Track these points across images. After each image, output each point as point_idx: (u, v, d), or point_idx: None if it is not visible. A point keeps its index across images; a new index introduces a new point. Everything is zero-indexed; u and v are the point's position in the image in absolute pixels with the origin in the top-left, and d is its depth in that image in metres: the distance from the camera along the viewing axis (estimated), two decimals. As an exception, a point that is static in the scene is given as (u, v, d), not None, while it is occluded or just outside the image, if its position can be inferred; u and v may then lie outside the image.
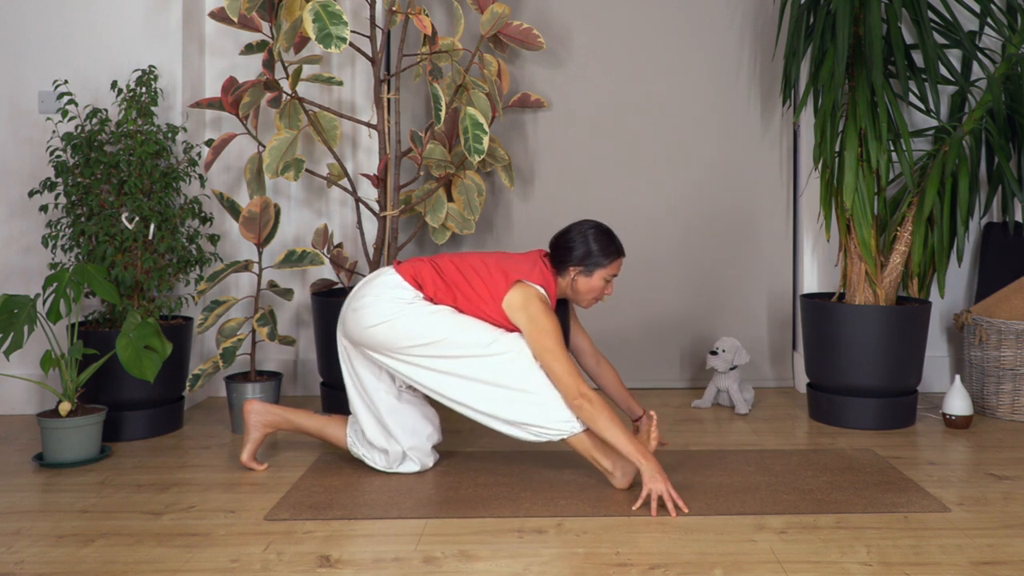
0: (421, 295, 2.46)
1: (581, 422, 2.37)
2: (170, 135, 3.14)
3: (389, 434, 2.53)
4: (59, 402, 2.77)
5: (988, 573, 1.89)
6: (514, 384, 2.38)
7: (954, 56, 3.55)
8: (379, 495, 2.38)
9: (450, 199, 3.37)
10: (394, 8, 3.09)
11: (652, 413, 2.53)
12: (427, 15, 3.00)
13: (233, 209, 3.15)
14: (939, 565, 1.93)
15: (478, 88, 3.17)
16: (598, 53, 3.69)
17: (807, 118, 3.60)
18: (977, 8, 3.40)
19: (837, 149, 3.11)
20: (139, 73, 3.27)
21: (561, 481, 2.49)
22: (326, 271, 3.58)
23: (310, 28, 2.72)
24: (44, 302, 2.82)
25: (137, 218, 2.97)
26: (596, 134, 3.71)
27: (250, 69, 3.53)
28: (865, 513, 2.23)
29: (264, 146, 3.20)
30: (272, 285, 3.18)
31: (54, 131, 3.04)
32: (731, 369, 3.32)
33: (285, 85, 3.38)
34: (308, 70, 3.52)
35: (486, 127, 2.99)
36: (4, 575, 1.90)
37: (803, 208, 3.68)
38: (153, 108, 3.11)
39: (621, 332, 3.73)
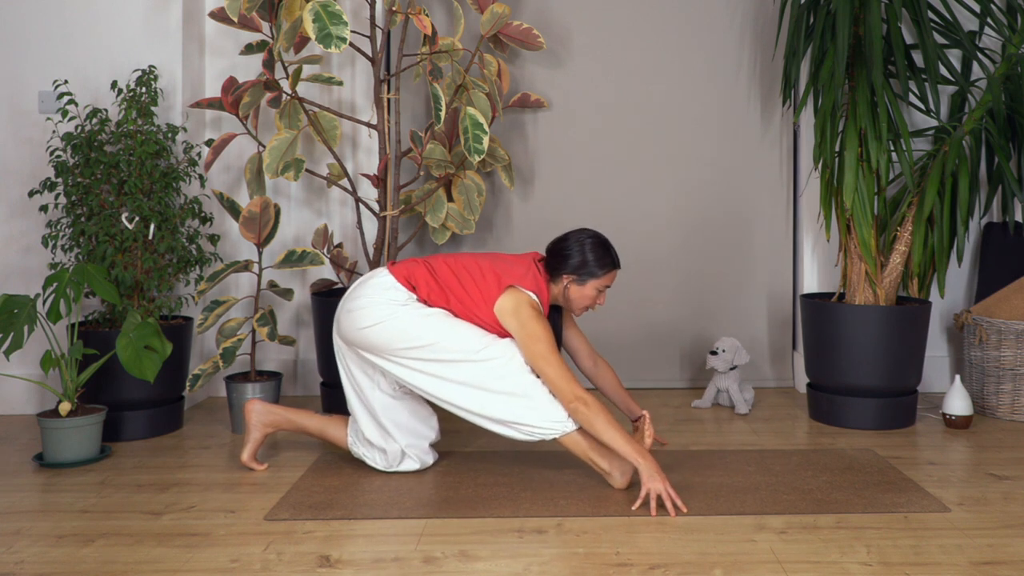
0: (415, 297, 2.46)
1: (573, 422, 2.37)
2: (170, 135, 3.14)
3: (386, 433, 2.53)
4: (59, 402, 2.77)
5: (988, 573, 1.89)
6: (505, 388, 2.38)
7: (954, 56, 3.55)
8: (379, 495, 2.38)
9: (450, 199, 3.37)
10: (394, 8, 3.09)
11: (645, 412, 2.54)
12: (427, 15, 3.00)
13: (233, 209, 3.15)
14: (939, 565, 1.93)
15: (478, 88, 3.17)
16: (598, 53, 3.69)
17: (807, 118, 3.60)
18: (977, 8, 3.40)
19: (837, 149, 3.11)
20: (139, 73, 3.27)
21: (561, 481, 2.49)
22: (326, 271, 3.58)
23: (310, 28, 2.72)
24: (44, 302, 2.82)
25: (137, 218, 2.97)
26: (596, 134, 3.71)
27: (250, 69, 3.53)
28: (865, 513, 2.23)
29: (264, 146, 3.20)
30: (272, 285, 3.18)
31: (54, 131, 3.04)
32: (731, 369, 3.32)
33: (285, 85, 3.38)
34: (308, 70, 3.52)
35: (486, 127, 2.99)
36: (4, 575, 1.90)
37: (803, 208, 3.68)
38: (153, 108, 3.11)
39: (621, 332, 3.73)
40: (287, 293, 3.21)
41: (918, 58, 3.44)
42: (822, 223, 3.57)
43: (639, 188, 3.72)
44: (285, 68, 3.08)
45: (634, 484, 2.43)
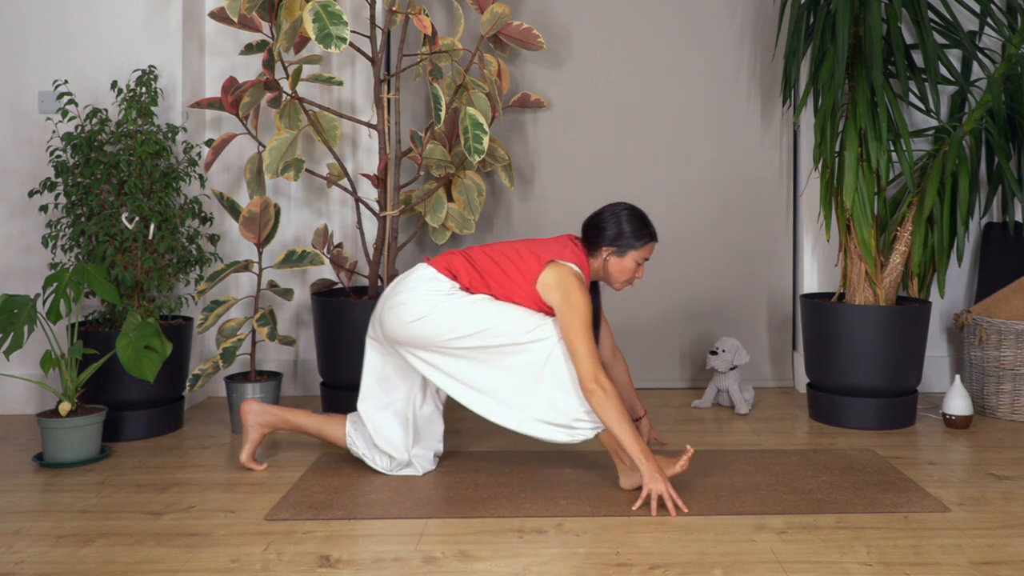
0: (457, 285, 2.45)
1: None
2: (170, 135, 3.14)
3: (400, 442, 2.52)
4: (59, 402, 2.77)
5: (988, 573, 1.89)
6: (553, 374, 2.35)
7: (954, 56, 3.55)
8: (379, 495, 2.38)
9: (450, 199, 3.37)
10: (394, 8, 3.09)
11: (643, 412, 2.54)
12: (427, 15, 3.00)
13: (233, 209, 3.15)
14: (939, 565, 1.93)
15: (478, 88, 3.17)
16: (598, 53, 3.69)
17: (807, 118, 3.60)
18: (977, 8, 3.40)
19: (837, 149, 3.11)
20: (139, 73, 3.27)
21: (561, 481, 2.49)
22: (326, 271, 3.58)
23: (310, 28, 2.72)
24: (44, 302, 2.82)
25: (137, 218, 2.97)
26: (596, 134, 3.71)
27: (250, 69, 3.53)
28: (865, 513, 2.23)
29: (264, 146, 3.20)
30: (272, 285, 3.18)
31: (54, 131, 3.04)
32: (731, 369, 3.32)
33: (285, 85, 3.38)
34: (308, 70, 3.52)
35: (486, 127, 2.99)
36: (4, 575, 1.90)
37: (803, 208, 3.68)
38: (153, 108, 3.11)
39: (621, 332, 3.73)
40: (287, 293, 3.21)
41: (918, 58, 3.44)
42: (822, 223, 3.57)
43: (639, 188, 3.72)
44: (285, 68, 3.08)
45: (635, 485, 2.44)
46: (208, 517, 2.24)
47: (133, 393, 2.94)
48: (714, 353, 3.31)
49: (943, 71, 3.50)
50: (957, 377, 3.08)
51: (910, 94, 3.39)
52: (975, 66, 3.49)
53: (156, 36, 3.31)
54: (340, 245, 3.31)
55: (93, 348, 2.88)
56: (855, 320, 3.02)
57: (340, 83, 3.16)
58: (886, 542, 2.05)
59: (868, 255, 3.08)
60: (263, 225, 3.11)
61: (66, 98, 3.18)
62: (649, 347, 3.74)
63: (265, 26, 3.23)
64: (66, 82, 3.06)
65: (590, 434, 2.37)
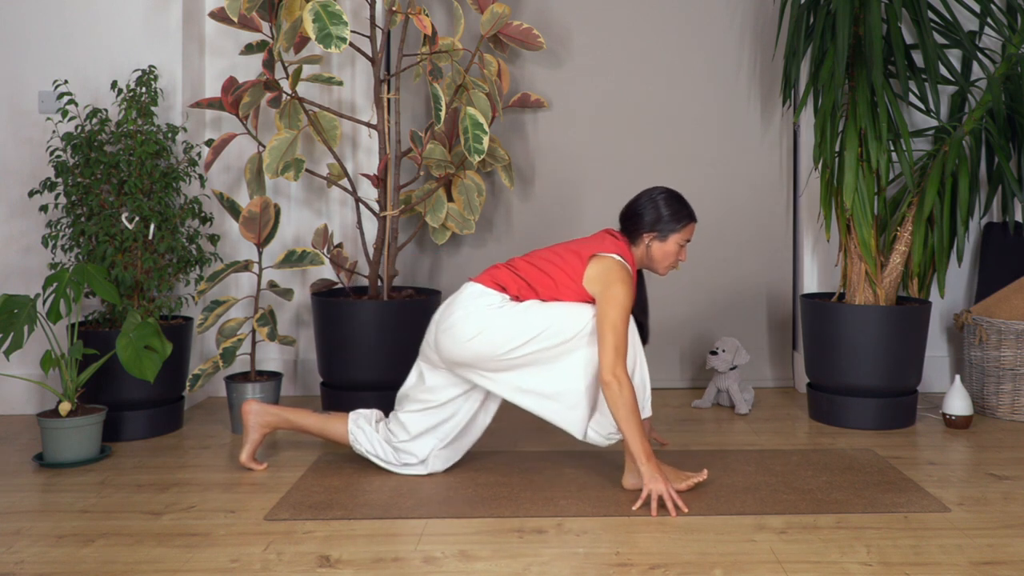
0: (507, 296, 2.45)
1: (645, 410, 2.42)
2: (170, 135, 3.14)
3: (428, 448, 2.52)
4: (59, 402, 2.77)
5: (988, 573, 1.89)
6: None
7: (954, 56, 3.55)
8: (379, 495, 2.38)
9: (450, 199, 3.37)
10: (394, 8, 3.09)
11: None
12: (427, 15, 3.00)
13: (233, 209, 3.15)
14: (939, 565, 1.93)
15: (478, 88, 3.17)
16: (598, 53, 3.69)
17: (807, 118, 3.60)
18: (977, 8, 3.40)
19: (837, 149, 3.11)
20: (139, 73, 3.27)
21: (561, 481, 2.49)
22: (326, 271, 3.58)
23: (310, 28, 2.72)
24: (44, 302, 2.82)
25: (137, 218, 2.97)
26: (596, 134, 3.71)
27: (250, 69, 3.53)
28: (865, 513, 2.23)
29: (264, 146, 3.20)
30: (272, 285, 3.18)
31: (54, 131, 3.04)
32: (731, 369, 3.32)
33: (285, 85, 3.38)
34: (308, 70, 3.52)
35: (486, 127, 2.99)
36: (4, 575, 1.90)
37: (803, 208, 3.68)
38: (153, 108, 3.11)
39: (621, 332, 3.73)
40: (287, 293, 3.21)
41: (918, 58, 3.44)
42: (822, 223, 3.57)
43: (639, 188, 3.70)
44: (285, 68, 3.08)
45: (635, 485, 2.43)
46: (208, 517, 2.24)
47: (133, 393, 2.94)
48: (714, 353, 3.31)
49: (943, 71, 3.50)
50: (957, 377, 3.08)
51: (910, 94, 3.39)
52: (975, 66, 3.49)
53: (156, 36, 3.31)
54: (340, 245, 3.31)
55: (93, 348, 2.88)
56: (855, 320, 3.02)
57: (340, 83, 3.16)
58: (886, 542, 2.05)
59: (868, 255, 3.08)
60: (263, 225, 3.11)
61: (66, 98, 3.18)
62: (649, 347, 3.74)
63: (265, 26, 3.23)
64: (66, 82, 3.06)
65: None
